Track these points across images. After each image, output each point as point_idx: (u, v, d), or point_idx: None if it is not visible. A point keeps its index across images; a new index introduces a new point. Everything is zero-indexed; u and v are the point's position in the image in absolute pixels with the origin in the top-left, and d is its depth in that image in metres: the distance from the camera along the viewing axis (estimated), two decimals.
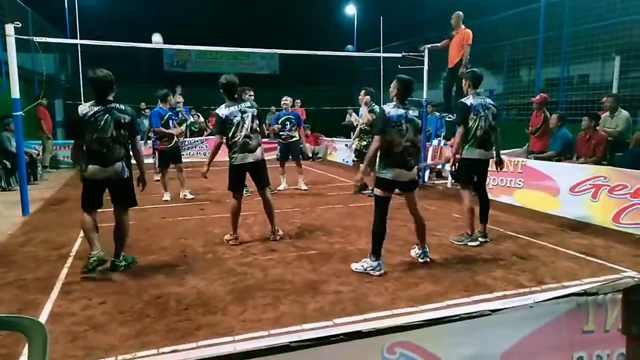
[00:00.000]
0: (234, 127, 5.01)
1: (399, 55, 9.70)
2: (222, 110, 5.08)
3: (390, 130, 4.20)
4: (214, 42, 9.32)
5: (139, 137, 4.51)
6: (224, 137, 5.10)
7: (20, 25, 6.57)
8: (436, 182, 9.75)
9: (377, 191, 4.36)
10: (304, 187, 8.77)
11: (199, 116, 16.18)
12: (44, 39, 7.36)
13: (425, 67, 9.18)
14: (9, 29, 6.40)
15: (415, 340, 1.37)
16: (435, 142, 9.97)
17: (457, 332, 1.41)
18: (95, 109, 4.15)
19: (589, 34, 9.72)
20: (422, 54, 9.17)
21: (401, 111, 4.27)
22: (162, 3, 18.99)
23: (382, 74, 13.84)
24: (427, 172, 9.68)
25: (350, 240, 5.33)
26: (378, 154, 4.30)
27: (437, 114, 10.33)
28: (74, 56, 15.86)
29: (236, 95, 5.24)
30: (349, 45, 15.67)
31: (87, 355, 2.81)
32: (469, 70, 5.56)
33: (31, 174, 9.36)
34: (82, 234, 5.59)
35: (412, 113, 4.32)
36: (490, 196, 7.62)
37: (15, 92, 6.49)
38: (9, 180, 8.80)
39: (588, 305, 1.53)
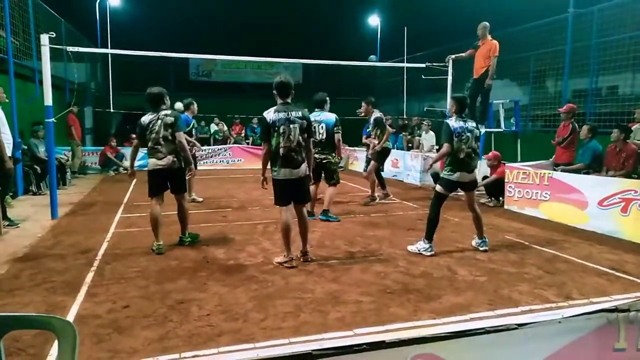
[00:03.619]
0: (279, 137, 4.55)
1: (423, 65, 9.67)
2: (270, 115, 4.62)
3: (455, 140, 5.08)
4: (238, 52, 9.47)
5: (180, 132, 5.24)
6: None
7: (54, 35, 6.81)
8: (459, 193, 9.60)
9: (440, 189, 5.30)
10: None
11: (223, 125, 16.43)
12: (76, 49, 7.60)
13: (450, 78, 9.12)
14: (44, 38, 6.63)
15: (439, 352, 1.35)
16: None
17: (482, 345, 1.38)
18: (151, 117, 5.22)
19: (619, 44, 9.51)
20: (447, 64, 9.12)
21: (462, 123, 5.16)
22: (188, 13, 19.45)
23: (405, 84, 13.80)
24: None
25: (371, 250, 5.30)
26: (445, 159, 5.23)
27: None
28: (104, 65, 16.36)
29: (289, 100, 4.73)
30: (372, 56, 15.74)
31: (111, 358, 2.86)
32: (455, 95, 5.65)
33: (60, 179, 9.62)
34: (107, 238, 5.74)
35: (471, 124, 5.23)
36: (515, 208, 7.59)
37: (48, 100, 6.71)
38: (40, 185, 9.06)
39: (619, 322, 1.48)
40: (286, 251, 4.70)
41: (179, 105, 12.19)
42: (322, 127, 6.61)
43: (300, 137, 4.59)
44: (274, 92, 4.72)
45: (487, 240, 5.36)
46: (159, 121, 5.16)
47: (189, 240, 5.48)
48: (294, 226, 4.77)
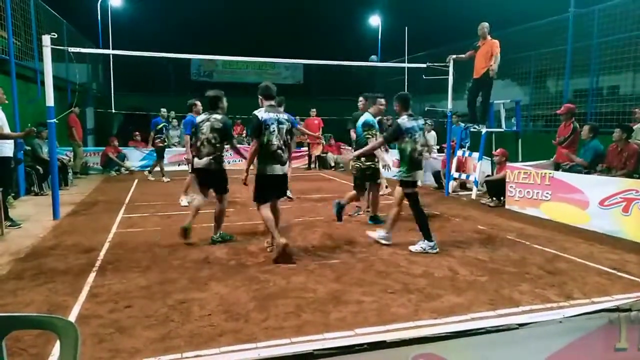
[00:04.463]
0: (269, 135, 4.89)
1: (424, 65, 9.67)
2: (262, 114, 4.94)
3: (408, 140, 5.19)
4: (239, 53, 9.48)
5: (233, 140, 5.77)
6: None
7: (56, 36, 6.82)
8: (460, 193, 9.63)
9: (409, 190, 5.28)
10: None
11: None
12: (77, 49, 7.62)
13: (450, 78, 9.11)
14: (46, 39, 6.65)
15: (440, 352, 1.35)
16: (459, 152, 9.85)
17: (484, 345, 1.38)
18: (203, 117, 5.52)
19: (620, 44, 9.49)
20: (447, 64, 9.12)
21: (413, 123, 5.28)
22: (189, 14, 19.47)
23: (406, 84, 13.79)
24: (451, 184, 9.57)
25: (372, 250, 5.30)
26: (403, 160, 5.27)
27: (462, 124, 10.23)
28: (105, 66, 16.39)
29: (274, 103, 5.15)
30: (372, 56, 15.73)
31: (112, 358, 2.86)
32: (399, 93, 5.73)
33: (62, 179, 9.64)
34: (109, 238, 5.75)
35: (421, 122, 5.46)
36: (516, 208, 7.59)
37: (50, 101, 6.72)
38: (42, 185, 9.08)
39: (620, 322, 1.48)
40: (272, 237, 5.06)
41: (164, 111, 12.25)
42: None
43: (286, 137, 5.02)
44: (260, 96, 5.13)
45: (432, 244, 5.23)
46: (208, 123, 5.41)
47: (218, 240, 5.55)
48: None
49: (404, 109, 5.42)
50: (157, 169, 11.57)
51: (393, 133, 5.36)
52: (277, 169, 4.97)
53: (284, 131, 4.99)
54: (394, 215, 5.46)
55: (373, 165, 6.54)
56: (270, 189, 5.06)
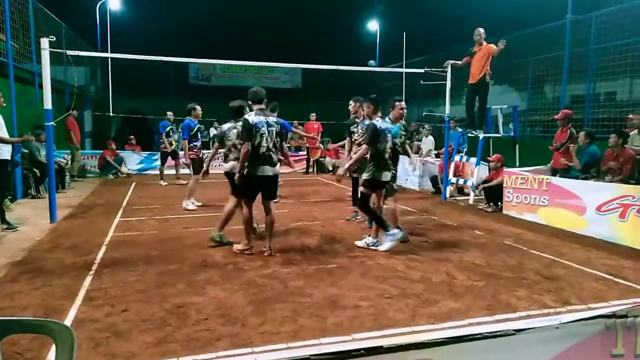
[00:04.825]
0: (259, 137, 5.05)
1: (422, 70, 9.70)
2: (252, 117, 5.10)
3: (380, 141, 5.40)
4: (238, 57, 9.50)
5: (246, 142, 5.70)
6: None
7: (54, 39, 6.82)
8: (458, 198, 9.64)
9: (366, 191, 5.37)
10: None
11: (222, 129, 16.42)
12: (76, 52, 7.61)
13: (448, 83, 9.15)
14: (44, 42, 6.64)
15: (437, 357, 1.35)
16: (457, 157, 9.88)
17: (480, 351, 1.38)
18: (229, 125, 5.86)
19: (617, 50, 9.56)
20: (445, 69, 9.16)
21: (387, 124, 5.54)
22: (188, 18, 19.49)
23: (404, 89, 13.83)
24: (448, 188, 9.58)
25: (370, 254, 5.30)
26: (373, 160, 5.38)
27: (460, 129, 10.25)
28: (103, 69, 16.38)
29: (263, 106, 5.29)
30: (371, 61, 15.77)
31: None
32: (370, 97, 5.93)
33: (59, 182, 9.61)
34: (106, 241, 5.74)
35: (390, 124, 5.65)
36: (513, 214, 7.61)
37: (48, 103, 6.71)
38: (39, 188, 9.05)
39: (617, 328, 1.49)
40: (247, 240, 5.25)
41: (170, 115, 12.16)
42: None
43: (276, 139, 5.18)
44: (249, 101, 5.35)
45: (396, 232, 5.47)
46: (235, 130, 5.77)
47: (217, 239, 5.64)
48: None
49: (375, 111, 5.64)
50: (173, 171, 11.57)
51: (373, 135, 5.40)
52: (268, 170, 5.12)
53: (274, 133, 5.15)
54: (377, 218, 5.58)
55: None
56: (259, 189, 5.21)
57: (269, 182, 5.21)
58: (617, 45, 9.52)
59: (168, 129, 11.41)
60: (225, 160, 5.95)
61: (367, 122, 5.91)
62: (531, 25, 11.59)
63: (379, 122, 5.49)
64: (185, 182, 10.88)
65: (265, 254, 5.16)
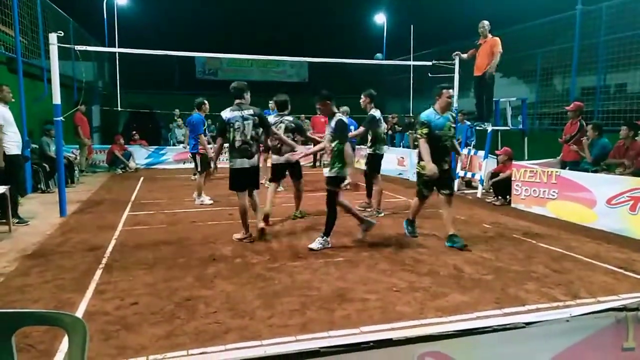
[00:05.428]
0: (234, 132, 5.27)
1: (429, 63, 9.63)
2: (226, 114, 5.35)
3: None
4: (244, 51, 9.49)
5: (307, 133, 7.20)
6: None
7: (62, 34, 6.85)
8: (466, 191, 9.59)
9: (334, 188, 5.19)
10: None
11: None
12: (84, 48, 7.64)
13: (456, 76, 9.07)
14: (52, 37, 6.67)
15: (447, 350, 1.35)
16: (465, 151, 9.82)
17: (490, 344, 1.38)
18: (276, 119, 6.46)
19: (627, 41, 9.43)
20: (453, 62, 9.08)
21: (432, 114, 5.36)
22: (195, 12, 19.49)
23: (411, 82, 13.75)
24: (456, 182, 9.53)
25: (377, 248, 5.29)
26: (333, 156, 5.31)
27: (468, 122, 10.18)
28: (111, 64, 16.45)
29: (242, 101, 5.43)
30: (378, 54, 15.67)
31: (119, 354, 2.88)
32: (368, 90, 6.78)
33: (69, 177, 9.69)
34: (115, 235, 5.78)
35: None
36: (522, 207, 7.57)
37: (57, 98, 6.75)
38: (48, 183, 9.14)
39: (628, 321, 1.48)
40: (244, 229, 5.48)
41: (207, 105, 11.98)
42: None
43: (253, 132, 5.33)
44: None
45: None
46: (282, 124, 6.39)
47: (298, 216, 6.71)
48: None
49: (372, 102, 6.61)
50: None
51: (372, 123, 6.04)
52: (245, 163, 5.33)
53: (250, 127, 5.31)
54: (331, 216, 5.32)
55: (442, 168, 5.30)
56: (242, 180, 5.43)
57: (249, 173, 5.42)
58: (628, 36, 9.40)
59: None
60: (279, 152, 6.40)
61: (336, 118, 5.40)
62: (541, 17, 11.45)
63: (377, 112, 6.23)
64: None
65: (260, 236, 5.50)
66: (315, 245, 5.18)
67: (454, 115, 5.58)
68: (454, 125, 5.47)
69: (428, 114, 5.34)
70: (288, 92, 6.94)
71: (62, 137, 7.09)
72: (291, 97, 6.92)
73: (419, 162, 5.47)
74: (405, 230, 5.87)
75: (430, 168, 5.14)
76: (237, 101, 5.41)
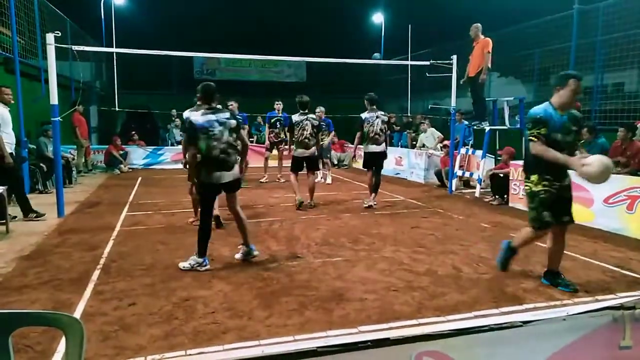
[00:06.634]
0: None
1: (427, 63, 9.64)
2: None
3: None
4: (242, 51, 9.48)
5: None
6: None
7: (59, 34, 6.83)
8: (464, 191, 9.61)
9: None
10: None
11: None
12: (81, 48, 7.62)
13: (454, 75, 9.08)
14: (50, 37, 6.65)
15: (444, 350, 1.35)
16: (463, 150, 9.83)
17: (487, 343, 1.38)
18: (301, 117, 7.41)
19: (624, 41, 9.45)
20: (451, 61, 9.09)
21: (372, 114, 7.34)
22: (193, 12, 19.47)
23: (409, 82, 13.77)
24: (454, 181, 9.55)
25: (375, 248, 5.31)
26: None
27: (465, 122, 10.19)
28: (108, 64, 16.42)
29: (214, 104, 4.58)
30: (375, 54, 15.67)
31: (117, 355, 2.88)
32: (368, 93, 7.63)
33: (66, 177, 9.67)
34: (113, 235, 5.78)
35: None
36: (520, 206, 7.57)
37: (54, 99, 6.73)
38: (46, 183, 9.12)
39: (625, 320, 1.48)
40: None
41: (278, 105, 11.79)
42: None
43: (230, 137, 4.46)
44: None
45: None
46: (307, 122, 7.26)
47: (312, 205, 7.60)
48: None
49: (370, 104, 7.48)
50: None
51: (359, 123, 7.24)
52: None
53: (227, 133, 4.43)
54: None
55: (556, 186, 3.92)
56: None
57: (230, 185, 4.59)
58: (625, 35, 9.42)
59: (274, 120, 10.55)
60: (306, 147, 7.31)
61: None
62: (538, 16, 11.48)
63: (365, 114, 7.29)
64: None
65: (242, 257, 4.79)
66: (184, 264, 4.51)
67: (578, 115, 4.03)
68: (575, 128, 3.90)
69: (545, 108, 3.89)
70: (287, 92, 7.03)
71: (59, 137, 7.07)
72: (290, 97, 6.96)
73: (528, 177, 4.03)
74: (499, 256, 4.49)
75: (573, 162, 3.64)
76: (207, 104, 4.52)
